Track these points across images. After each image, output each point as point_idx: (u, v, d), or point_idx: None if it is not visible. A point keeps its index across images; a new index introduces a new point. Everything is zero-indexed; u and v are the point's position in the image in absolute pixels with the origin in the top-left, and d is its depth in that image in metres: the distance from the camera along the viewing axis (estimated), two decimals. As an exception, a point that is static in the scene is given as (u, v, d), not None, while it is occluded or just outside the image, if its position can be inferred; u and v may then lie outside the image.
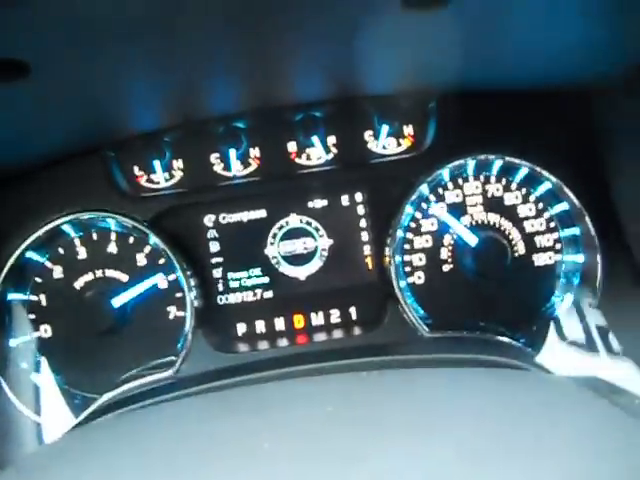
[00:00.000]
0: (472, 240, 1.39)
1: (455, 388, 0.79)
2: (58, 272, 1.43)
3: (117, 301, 1.39)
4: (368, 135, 1.45)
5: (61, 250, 1.43)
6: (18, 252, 1.38)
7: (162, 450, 0.68)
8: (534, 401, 0.72)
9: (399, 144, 1.45)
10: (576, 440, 0.60)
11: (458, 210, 1.44)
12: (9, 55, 0.86)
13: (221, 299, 1.46)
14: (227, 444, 0.65)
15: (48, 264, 1.43)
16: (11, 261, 1.38)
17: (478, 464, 0.55)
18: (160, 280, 1.43)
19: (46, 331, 1.43)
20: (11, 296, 1.40)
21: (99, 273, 1.42)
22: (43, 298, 1.43)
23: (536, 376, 0.92)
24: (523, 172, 1.42)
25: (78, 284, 1.43)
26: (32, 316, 1.43)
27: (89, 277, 1.42)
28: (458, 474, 0.54)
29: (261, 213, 1.46)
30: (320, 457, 0.58)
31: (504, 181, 1.45)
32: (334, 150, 1.44)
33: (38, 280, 1.43)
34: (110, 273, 1.42)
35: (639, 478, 0.54)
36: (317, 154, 1.44)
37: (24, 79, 0.93)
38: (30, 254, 1.40)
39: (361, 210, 1.46)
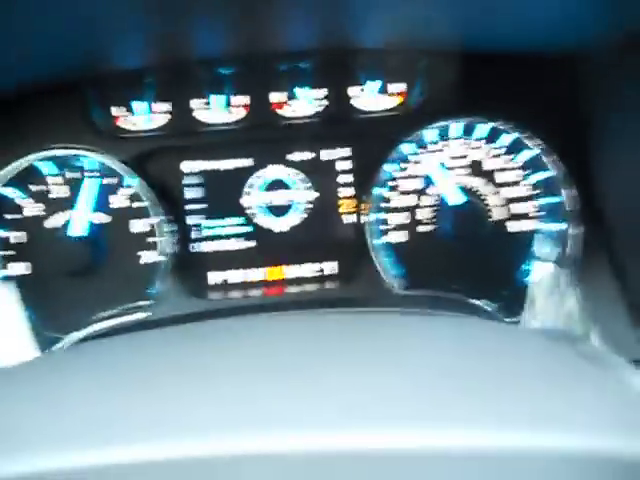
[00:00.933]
0: (453, 199, 1.39)
1: (419, 330, 0.79)
2: (30, 210, 1.41)
3: (74, 229, 1.37)
4: (355, 90, 1.43)
5: (34, 187, 1.40)
6: (-10, 187, 1.35)
7: (120, 369, 0.67)
8: (496, 343, 0.73)
9: (386, 102, 1.43)
10: (533, 378, 0.60)
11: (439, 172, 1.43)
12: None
13: (196, 246, 1.45)
14: (183, 365, 0.64)
15: (20, 201, 1.40)
16: (-18, 196, 1.35)
17: (431, 399, 0.55)
18: (135, 223, 1.41)
19: (17, 269, 1.41)
20: (-18, 232, 1.38)
21: (72, 213, 1.40)
22: (13, 235, 1.41)
23: (502, 325, 0.92)
24: (507, 138, 1.42)
25: (51, 223, 1.40)
26: (4, 253, 1.41)
27: (62, 217, 1.40)
28: (406, 398, 0.54)
29: (241, 162, 1.44)
30: (272, 376, 0.58)
31: (488, 146, 1.44)
32: (320, 103, 1.42)
33: (8, 217, 1.40)
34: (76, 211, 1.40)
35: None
36: (301, 106, 1.42)
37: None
38: (2, 189, 1.37)
39: (341, 165, 1.45)
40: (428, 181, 1.43)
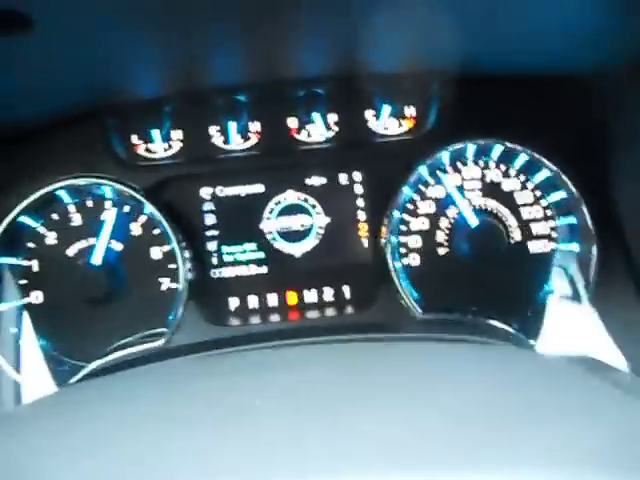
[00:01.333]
0: (473, 221, 1.39)
1: (444, 360, 0.79)
2: (51, 238, 1.42)
3: (95, 258, 1.38)
4: (369, 114, 1.44)
5: (55, 216, 1.42)
6: (11, 216, 1.36)
7: (148, 408, 0.67)
8: (523, 373, 0.72)
9: (400, 125, 1.44)
10: (563, 409, 0.60)
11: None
12: (11, 6, 0.85)
13: (215, 272, 1.46)
14: (216, 402, 0.64)
15: (41, 229, 1.42)
16: (4, 225, 1.36)
17: (462, 428, 0.55)
18: (154, 251, 1.42)
19: (37, 297, 1.42)
20: (3, 260, 1.39)
21: (92, 241, 1.41)
22: (35, 264, 1.42)
23: (526, 353, 0.92)
24: (522, 159, 1.42)
25: (71, 251, 1.41)
26: (23, 281, 1.42)
27: (82, 244, 1.41)
28: (440, 436, 0.53)
29: (259, 188, 1.45)
30: (307, 415, 0.58)
31: (503, 167, 1.45)
32: (334, 128, 1.44)
33: (31, 245, 1.42)
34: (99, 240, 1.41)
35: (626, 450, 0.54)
36: (317, 131, 1.43)
37: (26, 33, 0.92)
38: (23, 218, 1.39)
39: (359, 189, 1.45)
40: (446, 203, 1.43)
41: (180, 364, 0.92)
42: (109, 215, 1.40)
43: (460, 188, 1.43)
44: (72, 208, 1.42)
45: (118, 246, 1.42)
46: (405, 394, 0.63)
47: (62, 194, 1.40)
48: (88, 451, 0.56)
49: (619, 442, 0.51)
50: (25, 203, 1.36)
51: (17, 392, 1.37)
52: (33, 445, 0.60)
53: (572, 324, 1.40)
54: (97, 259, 1.38)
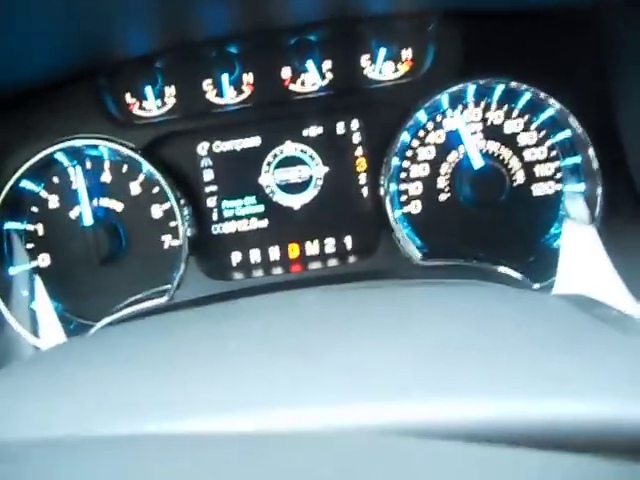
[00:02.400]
0: (478, 162, 1.36)
1: (433, 300, 0.78)
2: (54, 201, 1.43)
3: (85, 219, 1.39)
4: (365, 59, 1.40)
5: (56, 179, 1.43)
6: (12, 181, 1.37)
7: (146, 352, 0.69)
8: (512, 308, 0.72)
9: (397, 69, 1.40)
10: (546, 340, 0.59)
11: (456, 138, 1.40)
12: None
13: (215, 228, 1.46)
14: (197, 344, 0.65)
15: (43, 193, 1.43)
16: (6, 190, 1.38)
17: (448, 360, 0.54)
18: (154, 209, 1.42)
19: (44, 260, 1.45)
20: (8, 225, 1.41)
21: (94, 202, 1.42)
22: (40, 228, 1.44)
23: (518, 292, 0.91)
24: (525, 98, 1.37)
25: (74, 214, 1.43)
26: (30, 245, 1.44)
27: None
28: (413, 370, 0.53)
29: (255, 141, 1.43)
30: (284, 352, 0.58)
31: (505, 108, 1.40)
32: (329, 75, 1.40)
33: (34, 209, 1.43)
34: (104, 202, 1.42)
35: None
36: (312, 80, 1.40)
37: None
38: (25, 183, 1.40)
39: (357, 138, 1.43)
40: (446, 148, 1.40)
41: (175, 315, 0.93)
42: (78, 177, 1.40)
43: (460, 131, 1.40)
44: (71, 170, 1.42)
45: (118, 206, 1.42)
46: (387, 333, 0.63)
47: (60, 157, 1.40)
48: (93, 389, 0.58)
49: (591, 369, 0.51)
50: (24, 167, 1.37)
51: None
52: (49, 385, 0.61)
53: (579, 266, 1.37)
54: (87, 220, 1.39)
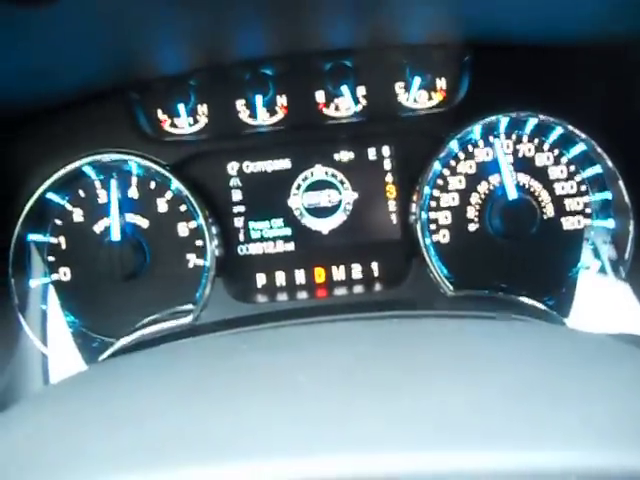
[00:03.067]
0: (512, 193, 1.35)
1: (488, 336, 0.77)
2: (78, 215, 1.41)
3: (113, 235, 1.37)
4: (399, 87, 1.40)
5: (82, 193, 1.41)
6: (38, 193, 1.36)
7: (187, 384, 0.66)
8: (571, 351, 0.70)
9: (430, 98, 1.40)
10: (621, 389, 0.57)
11: (487, 169, 1.40)
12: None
13: (242, 249, 1.44)
14: (258, 378, 0.63)
15: (68, 206, 1.41)
16: (31, 202, 1.36)
17: (523, 406, 0.53)
18: (181, 227, 1.41)
19: (65, 274, 1.42)
20: (31, 237, 1.39)
21: (120, 217, 1.40)
22: (63, 241, 1.42)
23: (570, 330, 0.89)
24: (557, 132, 1.38)
25: (98, 228, 1.41)
26: (51, 258, 1.42)
27: (109, 221, 1.41)
28: (499, 415, 0.51)
29: (286, 163, 1.42)
30: (354, 392, 0.57)
31: (536, 141, 1.41)
32: (363, 101, 1.40)
33: (58, 222, 1.41)
34: (130, 218, 1.40)
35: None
36: (346, 105, 1.40)
37: (51, 5, 0.90)
38: (50, 195, 1.38)
39: (388, 164, 1.42)
40: (477, 178, 1.40)
41: (212, 340, 0.91)
42: (113, 192, 1.39)
43: (494, 162, 1.39)
44: (98, 184, 1.41)
45: (144, 222, 1.41)
46: (455, 371, 0.61)
47: (88, 170, 1.39)
48: (121, 429, 0.55)
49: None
50: (52, 180, 1.35)
51: (46, 368, 1.38)
52: (63, 426, 0.59)
53: (606, 302, 1.37)
54: (115, 235, 1.37)
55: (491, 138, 1.40)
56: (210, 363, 0.73)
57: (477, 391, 0.55)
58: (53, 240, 1.42)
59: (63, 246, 1.42)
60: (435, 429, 0.49)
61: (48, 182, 1.36)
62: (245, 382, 0.62)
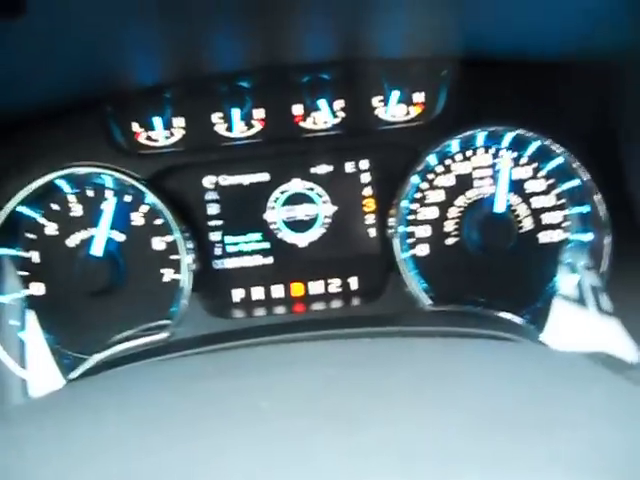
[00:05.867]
0: (501, 206, 1.36)
1: (459, 357, 0.76)
2: (51, 229, 1.39)
3: (95, 249, 1.35)
4: (377, 101, 1.40)
5: (55, 206, 1.39)
6: (10, 206, 1.33)
7: (155, 406, 0.65)
8: (543, 373, 0.69)
9: (408, 112, 1.40)
10: (592, 413, 0.57)
11: (465, 183, 1.40)
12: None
13: (218, 263, 1.43)
14: (224, 402, 0.61)
15: (41, 220, 1.39)
16: (3, 215, 1.33)
17: (489, 435, 0.52)
18: (156, 241, 1.39)
19: (38, 289, 1.40)
20: (2, 251, 1.36)
21: (94, 231, 1.38)
22: (35, 255, 1.39)
23: (542, 349, 0.89)
24: (534, 146, 1.38)
25: (72, 242, 1.38)
26: (23, 273, 1.39)
27: (83, 235, 1.38)
28: (465, 443, 0.50)
29: (263, 176, 1.41)
30: (321, 418, 0.55)
31: (514, 155, 1.41)
32: (341, 114, 1.39)
33: (30, 236, 1.39)
34: (97, 230, 1.38)
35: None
36: (323, 118, 1.39)
37: (18, 18, 0.88)
38: (22, 209, 1.36)
39: (366, 178, 1.42)
40: (455, 192, 1.40)
41: (184, 362, 0.89)
42: (108, 205, 1.37)
43: (469, 177, 1.39)
44: (72, 198, 1.39)
45: (119, 237, 1.38)
46: (423, 397, 0.60)
47: (62, 184, 1.37)
48: (93, 453, 0.54)
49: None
50: (24, 193, 1.33)
51: (23, 385, 1.35)
52: (37, 448, 0.57)
53: (584, 317, 1.36)
54: (97, 250, 1.35)
55: (469, 152, 1.40)
56: (175, 387, 0.71)
57: (443, 422, 0.54)
58: (25, 254, 1.39)
59: (36, 260, 1.39)
60: (399, 460, 0.48)
61: (20, 195, 1.33)
62: (207, 410, 0.60)
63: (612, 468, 0.46)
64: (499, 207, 1.36)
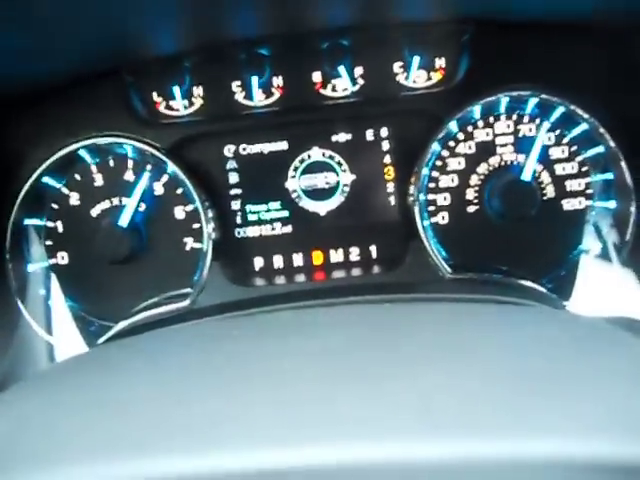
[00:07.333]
0: (529, 175, 1.34)
1: (482, 321, 0.76)
2: (75, 199, 1.41)
3: (123, 220, 1.36)
4: (397, 67, 1.37)
5: (78, 176, 1.40)
6: (34, 177, 1.35)
7: (181, 368, 0.66)
8: (565, 336, 0.69)
9: (429, 77, 1.38)
10: (614, 374, 0.57)
11: (487, 150, 1.38)
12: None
13: (239, 232, 1.43)
14: (247, 364, 0.63)
15: (65, 190, 1.40)
16: (27, 186, 1.35)
17: (510, 395, 0.52)
18: (177, 210, 1.40)
19: (63, 258, 1.42)
20: (28, 221, 1.38)
21: (116, 201, 1.39)
22: (59, 225, 1.42)
23: (564, 314, 0.88)
24: (558, 111, 1.35)
25: (95, 211, 1.40)
26: (49, 242, 1.42)
27: (106, 205, 1.40)
28: (484, 403, 0.51)
29: (282, 145, 1.41)
30: (344, 377, 0.56)
31: (537, 121, 1.38)
32: (361, 81, 1.38)
33: (54, 206, 1.41)
34: (127, 201, 1.39)
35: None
36: (343, 85, 1.38)
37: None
38: (46, 179, 1.37)
39: (386, 146, 1.41)
40: (476, 159, 1.38)
41: (204, 326, 0.90)
42: (143, 178, 1.38)
43: (491, 144, 1.37)
44: (94, 168, 1.40)
45: (141, 206, 1.40)
46: (445, 358, 0.61)
47: (84, 154, 1.38)
48: (108, 417, 0.55)
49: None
50: (47, 164, 1.34)
51: (49, 352, 1.38)
52: (65, 406, 0.59)
53: (606, 284, 1.35)
54: (124, 221, 1.36)
55: (491, 119, 1.38)
56: (200, 349, 0.73)
57: (465, 379, 0.54)
58: (50, 224, 1.41)
59: (60, 230, 1.41)
60: (420, 417, 0.48)
61: (44, 166, 1.35)
62: (233, 370, 0.61)
63: (632, 428, 0.46)
64: (527, 175, 1.34)
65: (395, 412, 0.49)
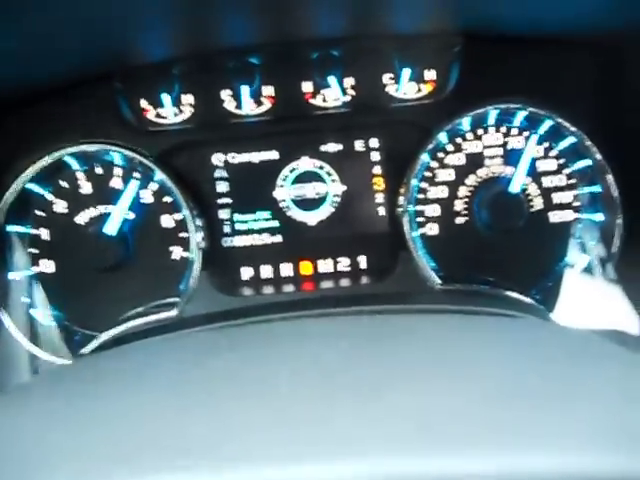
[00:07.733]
0: (516, 187, 1.35)
1: (471, 333, 0.76)
2: (60, 206, 1.39)
3: (109, 228, 1.35)
4: (387, 78, 1.38)
5: (64, 183, 1.38)
6: (19, 183, 1.33)
7: (168, 380, 0.65)
8: (553, 349, 0.69)
9: (419, 89, 1.38)
10: (605, 388, 0.57)
11: (476, 162, 1.39)
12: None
13: (227, 241, 1.42)
14: (238, 378, 0.62)
15: (50, 197, 1.38)
16: (12, 192, 1.33)
17: (505, 409, 0.51)
18: (165, 219, 1.39)
19: (47, 266, 1.40)
20: (11, 228, 1.36)
21: (102, 209, 1.38)
22: (44, 232, 1.39)
23: (552, 327, 0.89)
24: (547, 124, 1.36)
25: (81, 219, 1.38)
26: (33, 250, 1.39)
27: (92, 212, 1.38)
28: (478, 418, 0.50)
29: (272, 154, 1.40)
30: (336, 392, 0.55)
31: (526, 133, 1.39)
32: (351, 92, 1.38)
33: (39, 213, 1.39)
34: (113, 209, 1.38)
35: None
36: (333, 95, 1.38)
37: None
38: (31, 186, 1.35)
39: (376, 156, 1.41)
40: (465, 171, 1.39)
41: (193, 337, 0.89)
42: (130, 186, 1.37)
43: (480, 156, 1.38)
44: (81, 175, 1.38)
45: (129, 214, 1.38)
46: (435, 373, 0.60)
47: (71, 161, 1.36)
48: (102, 428, 0.54)
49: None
50: (33, 170, 1.33)
51: (32, 362, 1.36)
52: (47, 421, 0.57)
53: (594, 296, 1.36)
54: (112, 229, 1.34)
55: (480, 131, 1.39)
56: (189, 361, 0.72)
57: (459, 392, 0.54)
58: (34, 231, 1.39)
59: (45, 237, 1.39)
60: (416, 432, 0.48)
61: (29, 172, 1.33)
62: (224, 383, 0.60)
63: (622, 441, 0.46)
64: (515, 187, 1.35)
65: (387, 428, 0.48)
